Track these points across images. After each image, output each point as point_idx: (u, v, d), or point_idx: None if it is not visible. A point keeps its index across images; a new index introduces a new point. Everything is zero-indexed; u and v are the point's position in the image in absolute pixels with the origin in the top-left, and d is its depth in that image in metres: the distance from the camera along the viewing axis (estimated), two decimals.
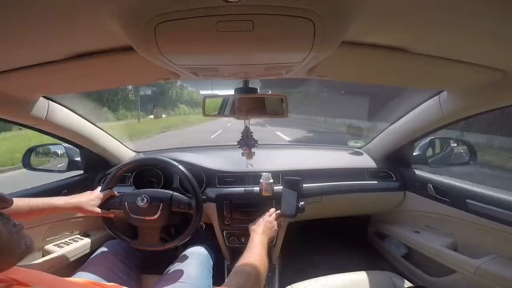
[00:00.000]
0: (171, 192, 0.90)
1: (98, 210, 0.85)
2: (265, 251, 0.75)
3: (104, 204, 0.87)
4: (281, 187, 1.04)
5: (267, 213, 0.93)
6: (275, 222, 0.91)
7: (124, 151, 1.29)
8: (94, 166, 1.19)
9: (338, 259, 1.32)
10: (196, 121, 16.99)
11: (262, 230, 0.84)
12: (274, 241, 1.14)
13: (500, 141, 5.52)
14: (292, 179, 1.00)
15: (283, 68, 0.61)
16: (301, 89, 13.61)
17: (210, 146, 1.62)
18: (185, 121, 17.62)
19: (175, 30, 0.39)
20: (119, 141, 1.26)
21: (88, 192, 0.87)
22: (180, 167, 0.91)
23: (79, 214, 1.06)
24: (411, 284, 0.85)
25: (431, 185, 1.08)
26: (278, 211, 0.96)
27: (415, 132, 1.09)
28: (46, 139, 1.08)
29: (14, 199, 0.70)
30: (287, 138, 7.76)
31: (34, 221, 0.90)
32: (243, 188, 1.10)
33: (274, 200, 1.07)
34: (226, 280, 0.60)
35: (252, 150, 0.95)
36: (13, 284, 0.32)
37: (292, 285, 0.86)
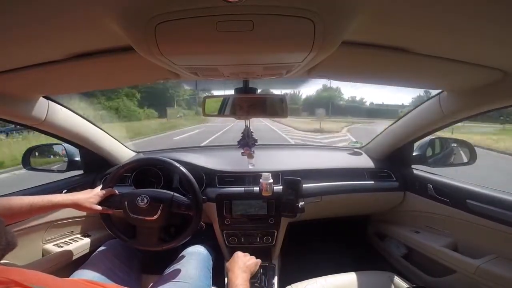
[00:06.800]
0: (171, 193, 0.89)
1: (97, 207, 0.84)
2: None
3: (104, 203, 0.87)
4: (281, 187, 1.04)
5: (238, 252, 0.84)
6: (252, 256, 0.84)
7: (124, 151, 1.29)
8: (94, 166, 1.19)
9: (338, 259, 1.32)
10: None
11: (242, 268, 0.75)
12: (272, 242, 1.14)
13: None
14: (292, 179, 1.00)
15: (283, 68, 0.61)
16: None
17: (210, 146, 1.63)
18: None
19: (175, 30, 0.39)
20: (119, 141, 1.26)
21: (88, 190, 0.87)
22: (180, 167, 0.90)
23: (79, 214, 1.06)
24: (411, 284, 0.85)
25: (431, 185, 1.08)
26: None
27: (415, 132, 1.09)
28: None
29: (15, 198, 0.70)
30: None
31: (34, 221, 0.90)
32: (243, 188, 1.10)
33: (274, 200, 1.07)
34: None
35: (252, 150, 0.95)
36: (11, 285, 0.32)
37: (292, 285, 0.86)
